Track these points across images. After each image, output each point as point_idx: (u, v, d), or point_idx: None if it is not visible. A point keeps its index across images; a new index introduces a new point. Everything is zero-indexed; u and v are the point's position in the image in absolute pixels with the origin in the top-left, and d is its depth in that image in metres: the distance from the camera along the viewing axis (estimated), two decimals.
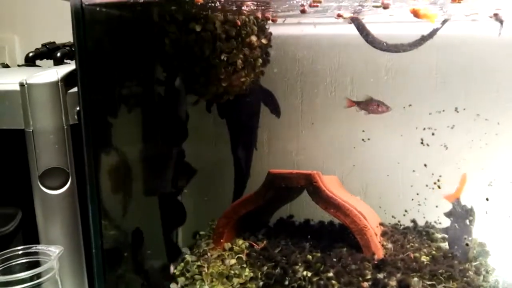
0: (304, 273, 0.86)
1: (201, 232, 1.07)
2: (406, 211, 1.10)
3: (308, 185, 0.96)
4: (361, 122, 1.18)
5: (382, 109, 1.10)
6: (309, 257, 0.90)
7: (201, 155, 1.24)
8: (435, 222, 1.08)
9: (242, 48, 0.96)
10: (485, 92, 1.11)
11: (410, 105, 1.14)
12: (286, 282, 0.84)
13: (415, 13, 0.84)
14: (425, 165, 1.10)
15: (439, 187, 1.07)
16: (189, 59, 0.95)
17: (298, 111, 1.24)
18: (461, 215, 0.96)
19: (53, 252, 0.86)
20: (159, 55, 0.97)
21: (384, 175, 1.18)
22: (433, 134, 1.11)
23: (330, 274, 0.85)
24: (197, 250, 0.97)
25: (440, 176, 1.08)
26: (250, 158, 1.19)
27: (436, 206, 1.03)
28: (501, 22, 0.95)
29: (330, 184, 0.99)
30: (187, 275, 0.89)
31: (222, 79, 0.96)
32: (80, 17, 0.77)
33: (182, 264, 0.92)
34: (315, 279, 0.85)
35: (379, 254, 0.90)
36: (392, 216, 1.10)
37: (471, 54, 1.11)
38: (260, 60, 1.01)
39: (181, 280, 0.88)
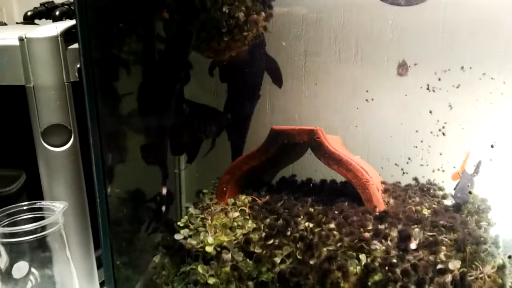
0: (306, 224, 0.86)
1: (204, 191, 1.08)
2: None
3: (311, 140, 0.96)
4: (365, 82, 1.18)
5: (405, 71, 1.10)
6: (311, 210, 0.91)
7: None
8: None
9: (245, 0, 0.95)
10: (493, 51, 1.10)
11: (415, 64, 1.12)
12: (288, 233, 0.85)
13: None
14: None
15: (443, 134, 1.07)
16: (190, 11, 0.94)
17: (301, 71, 1.23)
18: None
19: (57, 207, 0.87)
20: (159, 8, 0.96)
21: (387, 136, 1.17)
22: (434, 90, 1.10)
23: (332, 225, 0.86)
24: (201, 205, 0.98)
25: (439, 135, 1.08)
26: (247, 128, 1.19)
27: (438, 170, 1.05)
28: None
29: (333, 142, 0.99)
30: (191, 227, 0.90)
31: (224, 33, 0.96)
32: None
33: (186, 217, 0.93)
34: (316, 230, 0.85)
35: (381, 207, 0.91)
36: (396, 164, 1.11)
37: (479, 12, 1.09)
38: (263, 14, 1.00)
39: (185, 231, 0.89)
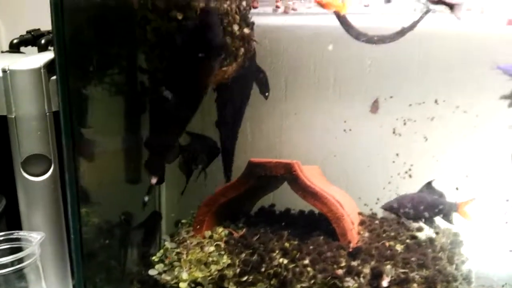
0: (281, 260, 0.87)
1: (183, 221, 1.09)
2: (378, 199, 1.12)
3: (288, 174, 0.97)
4: (344, 112, 1.20)
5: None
6: (287, 244, 0.92)
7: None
8: None
9: (224, 37, 0.97)
10: (465, 84, 1.13)
11: (391, 97, 1.15)
12: (263, 269, 0.86)
13: (320, 4, 0.85)
14: (397, 155, 1.11)
15: (410, 176, 1.09)
16: (170, 47, 0.95)
17: (282, 101, 1.25)
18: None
19: (34, 238, 0.87)
20: (140, 43, 0.98)
21: (365, 165, 1.19)
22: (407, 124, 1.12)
23: (306, 262, 0.87)
24: (177, 238, 0.99)
25: (411, 165, 1.10)
26: (236, 135, 1.20)
27: None
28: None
29: (310, 174, 1.00)
30: (166, 261, 0.90)
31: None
32: (58, 3, 0.77)
33: (161, 251, 0.93)
34: (291, 266, 0.86)
35: (355, 242, 0.92)
36: (365, 204, 1.12)
37: (451, 47, 1.12)
38: (243, 50, 1.02)
39: (159, 266, 0.89)
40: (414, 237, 0.96)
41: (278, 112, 1.26)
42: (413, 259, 0.85)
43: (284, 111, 1.25)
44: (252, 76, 1.14)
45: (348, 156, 1.22)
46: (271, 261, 0.87)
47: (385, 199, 1.11)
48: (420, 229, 1.01)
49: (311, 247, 0.91)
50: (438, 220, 1.03)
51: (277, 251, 0.90)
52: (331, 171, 1.20)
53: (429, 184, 1.05)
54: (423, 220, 1.02)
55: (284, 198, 1.19)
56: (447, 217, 1.01)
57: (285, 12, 1.13)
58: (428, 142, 1.13)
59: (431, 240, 0.95)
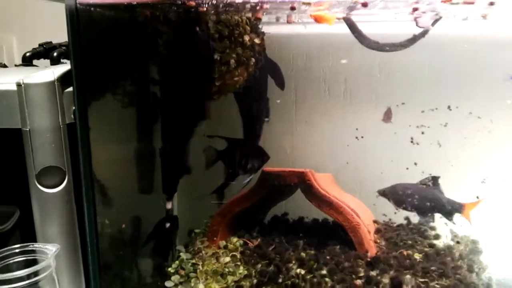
0: (298, 270, 0.86)
1: (196, 230, 1.08)
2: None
3: (301, 183, 0.96)
4: (355, 120, 1.19)
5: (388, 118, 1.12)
6: (303, 254, 0.91)
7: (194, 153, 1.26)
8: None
9: (235, 47, 0.97)
10: (478, 90, 1.12)
11: (403, 103, 1.14)
12: (280, 280, 0.85)
13: (315, 19, 0.86)
14: (415, 164, 1.10)
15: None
16: (183, 59, 0.96)
17: (292, 108, 1.24)
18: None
19: (50, 250, 0.87)
20: (153, 55, 0.98)
21: (378, 172, 1.18)
22: (422, 132, 1.12)
23: (324, 272, 0.86)
24: (192, 248, 0.98)
25: (422, 172, 1.09)
26: (261, 128, 1.18)
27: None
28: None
29: (324, 182, 1.00)
30: (182, 273, 0.90)
31: (216, 78, 0.97)
32: (74, 17, 0.77)
33: (177, 262, 0.92)
34: (308, 276, 0.85)
35: (372, 251, 0.91)
36: (383, 214, 1.11)
37: (463, 53, 1.12)
38: (253, 59, 1.01)
39: (176, 278, 0.89)
40: (432, 246, 0.95)
41: (289, 120, 1.25)
42: (432, 268, 0.84)
43: (295, 119, 1.25)
44: (266, 70, 1.13)
45: (361, 163, 1.21)
46: (288, 271, 0.87)
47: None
48: (437, 237, 1.00)
49: (328, 257, 0.90)
50: (455, 227, 1.02)
51: (293, 261, 0.89)
52: (343, 179, 1.20)
53: (435, 180, 1.04)
54: (417, 212, 1.02)
55: (296, 206, 1.19)
56: (449, 216, 1.00)
57: (288, 22, 1.13)
58: (441, 148, 1.12)
59: (449, 248, 0.94)
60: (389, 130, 1.16)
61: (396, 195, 1.03)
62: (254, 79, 1.08)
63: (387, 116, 1.08)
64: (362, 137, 1.18)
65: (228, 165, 1.08)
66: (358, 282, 0.83)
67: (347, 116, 1.21)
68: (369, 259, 0.87)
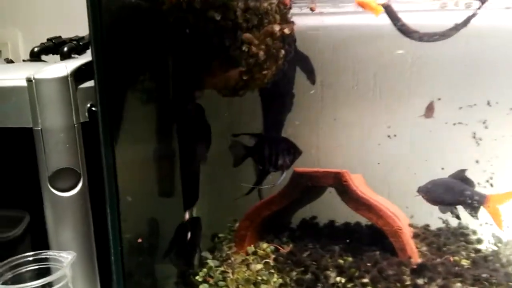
0: (338, 278, 0.80)
1: (220, 235, 1.01)
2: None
3: (338, 184, 0.90)
4: (386, 117, 1.12)
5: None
6: (341, 261, 0.84)
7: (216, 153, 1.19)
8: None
9: (265, 38, 0.90)
10: None
11: (439, 99, 1.07)
12: None
13: (361, 5, 0.83)
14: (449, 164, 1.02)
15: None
16: (208, 50, 0.89)
17: (318, 105, 1.18)
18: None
19: (65, 258, 0.80)
20: (176, 46, 0.91)
21: (410, 173, 1.11)
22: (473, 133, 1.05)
23: (366, 280, 0.79)
24: (219, 254, 0.91)
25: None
26: (282, 124, 1.12)
27: None
28: None
29: (359, 183, 0.93)
30: (211, 281, 0.83)
31: (243, 72, 0.90)
32: (96, 4, 0.71)
33: (205, 269, 0.86)
34: (349, 285, 0.79)
35: (416, 258, 0.84)
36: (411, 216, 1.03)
37: (502, 45, 1.05)
38: (283, 51, 0.95)
39: (204, 287, 0.82)
40: (478, 251, 0.88)
41: (315, 118, 1.19)
42: (484, 275, 0.77)
43: (321, 117, 1.18)
44: (295, 63, 1.06)
45: (392, 163, 1.14)
46: (327, 279, 0.80)
47: (435, 210, 1.04)
48: (480, 241, 0.94)
49: (368, 263, 0.83)
50: (498, 231, 0.95)
51: (331, 269, 0.82)
52: (373, 181, 1.13)
53: (461, 172, 0.93)
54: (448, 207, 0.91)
55: (323, 209, 1.12)
56: (473, 210, 0.88)
57: (312, 10, 1.06)
58: (480, 146, 1.06)
59: (496, 254, 0.87)
60: (424, 128, 1.09)
61: (430, 193, 0.95)
62: (282, 73, 1.01)
63: (430, 111, 1.01)
64: (394, 135, 1.11)
65: (259, 162, 1.01)
66: None
67: (377, 113, 1.14)
68: (414, 266, 0.81)
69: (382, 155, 1.14)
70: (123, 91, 0.84)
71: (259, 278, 0.82)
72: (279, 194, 0.93)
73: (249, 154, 1.01)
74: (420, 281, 0.78)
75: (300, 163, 1.12)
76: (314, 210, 1.13)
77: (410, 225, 0.99)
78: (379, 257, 0.85)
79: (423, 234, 0.95)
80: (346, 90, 1.16)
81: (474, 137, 1.06)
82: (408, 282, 0.77)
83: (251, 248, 0.92)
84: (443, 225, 1.01)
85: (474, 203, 0.87)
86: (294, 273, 0.82)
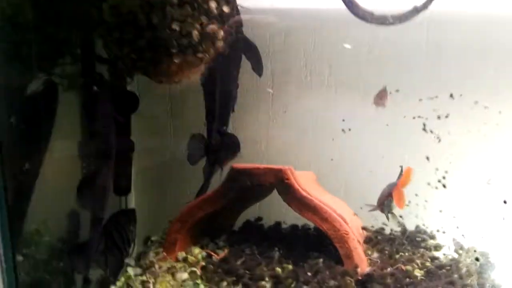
0: None
1: (153, 238, 0.90)
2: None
3: (279, 182, 0.79)
4: (341, 110, 1.03)
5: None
6: (279, 270, 0.74)
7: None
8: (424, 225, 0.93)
9: (199, 16, 0.79)
10: (484, 76, 0.97)
11: (397, 91, 0.98)
12: None
13: None
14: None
15: (444, 186, 0.91)
16: (133, 29, 0.77)
17: (268, 96, 1.07)
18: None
19: None
20: (96, 25, 0.79)
21: (366, 171, 1.02)
22: (424, 124, 0.95)
23: None
24: (144, 260, 0.80)
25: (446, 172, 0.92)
26: (228, 119, 1.01)
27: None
28: None
29: (305, 182, 0.83)
30: None
31: (174, 55, 0.79)
32: None
33: (123, 279, 0.74)
34: None
35: (363, 266, 0.75)
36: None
37: (469, 31, 0.97)
38: (222, 33, 0.84)
39: None
40: (434, 259, 0.79)
41: (264, 110, 1.09)
42: None
43: (271, 109, 1.08)
44: (241, 51, 0.96)
45: (347, 160, 1.05)
46: None
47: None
48: (438, 248, 0.85)
49: (309, 273, 0.73)
50: (458, 236, 0.87)
51: (267, 279, 0.72)
52: (326, 178, 1.04)
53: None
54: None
55: (272, 209, 1.02)
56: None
57: None
58: (441, 142, 0.97)
59: (454, 262, 0.78)
60: (381, 122, 1.00)
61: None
62: (224, 59, 0.90)
63: (380, 98, 0.91)
64: (349, 129, 1.01)
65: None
66: None
67: (332, 105, 1.04)
68: (360, 277, 0.71)
69: (336, 151, 1.05)
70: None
71: None
72: (214, 193, 0.82)
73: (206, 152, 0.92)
74: None
75: (248, 159, 1.02)
76: (264, 210, 1.03)
77: (364, 228, 0.90)
78: (322, 266, 0.75)
79: (375, 238, 0.85)
80: (299, 80, 1.06)
81: (433, 132, 0.97)
82: None
83: (181, 254, 0.81)
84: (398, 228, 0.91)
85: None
86: (224, 284, 0.72)
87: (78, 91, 0.87)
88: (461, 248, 0.84)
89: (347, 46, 0.95)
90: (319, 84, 1.06)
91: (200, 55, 0.82)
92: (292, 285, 0.70)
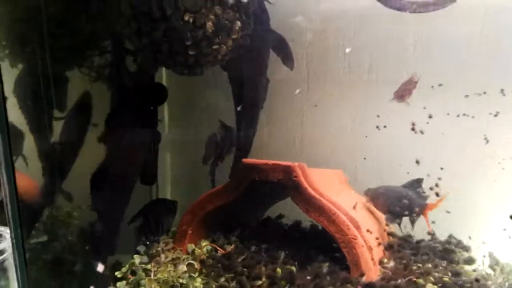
0: None
1: (173, 229, 0.91)
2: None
3: (287, 179, 0.76)
4: (376, 105, 0.96)
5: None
6: (279, 270, 0.71)
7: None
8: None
9: (213, 7, 0.78)
10: None
11: (440, 85, 0.88)
12: None
13: None
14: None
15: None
16: (148, 21, 0.79)
17: (303, 90, 1.03)
18: None
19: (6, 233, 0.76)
20: (113, 18, 0.82)
21: (403, 172, 0.94)
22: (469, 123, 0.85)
23: None
24: (153, 250, 0.81)
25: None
26: (257, 119, 1.00)
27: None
28: None
29: (321, 180, 0.78)
30: (131, 279, 0.74)
31: (189, 47, 0.79)
32: None
33: (127, 265, 0.76)
34: None
35: (371, 275, 0.69)
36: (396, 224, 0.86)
37: None
38: (239, 23, 0.82)
39: (121, 284, 0.73)
40: (457, 274, 0.70)
41: (298, 105, 1.04)
42: None
43: (305, 104, 1.04)
44: (268, 44, 0.93)
45: (382, 159, 0.97)
46: None
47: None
48: (470, 261, 0.75)
49: (308, 276, 0.69)
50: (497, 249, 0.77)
51: (263, 279, 0.69)
52: (361, 176, 0.98)
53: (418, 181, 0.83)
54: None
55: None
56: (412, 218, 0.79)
57: None
58: (489, 143, 0.86)
59: (483, 279, 0.69)
60: (420, 119, 0.91)
61: (377, 199, 0.81)
62: (249, 52, 0.88)
63: (404, 91, 0.82)
64: (384, 126, 0.94)
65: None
66: None
67: (367, 100, 0.97)
68: (360, 287, 0.65)
69: (370, 149, 0.98)
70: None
71: (181, 281, 0.71)
72: (224, 187, 0.81)
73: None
74: None
75: (282, 156, 0.98)
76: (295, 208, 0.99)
77: (390, 234, 0.83)
78: (325, 270, 0.70)
79: (398, 245, 0.78)
80: (336, 73, 1.00)
81: (481, 133, 0.86)
82: None
83: (191, 246, 0.81)
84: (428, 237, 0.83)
85: (414, 216, 0.78)
86: (222, 279, 0.70)
87: (107, 83, 0.90)
88: (497, 263, 0.74)
89: (347, 50, 0.89)
90: (357, 78, 0.99)
91: (216, 46, 0.81)
92: None
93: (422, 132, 0.81)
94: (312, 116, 1.04)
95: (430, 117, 0.84)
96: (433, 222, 0.82)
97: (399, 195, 0.78)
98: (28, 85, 0.79)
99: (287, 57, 0.95)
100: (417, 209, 0.76)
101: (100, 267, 0.76)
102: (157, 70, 0.93)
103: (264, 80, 0.96)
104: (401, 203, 0.76)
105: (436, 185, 0.77)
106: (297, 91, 1.01)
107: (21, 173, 0.83)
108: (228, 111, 0.99)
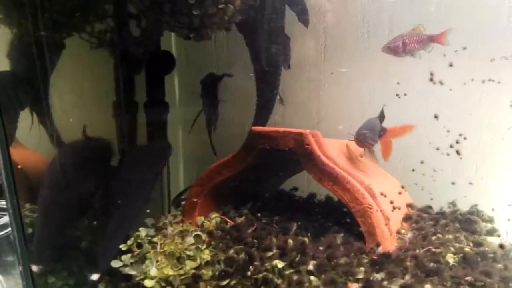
0: (275, 262, 0.63)
1: (183, 203, 0.88)
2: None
3: (299, 147, 0.72)
4: (395, 72, 0.90)
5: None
6: (290, 241, 0.67)
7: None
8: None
9: None
10: None
11: (464, 48, 0.82)
12: (249, 273, 0.63)
13: None
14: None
15: None
16: None
17: (320, 57, 0.98)
18: None
19: None
20: None
21: (424, 142, 0.89)
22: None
23: (310, 267, 0.62)
24: (159, 223, 0.78)
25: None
26: (279, 75, 0.94)
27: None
28: None
29: (337, 150, 0.74)
30: (136, 252, 0.71)
31: (193, 6, 0.75)
32: None
33: (132, 238, 0.74)
34: (287, 272, 0.62)
35: (387, 245, 0.65)
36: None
37: None
38: None
39: (126, 257, 0.71)
40: (479, 244, 0.66)
41: (315, 72, 1.00)
42: (467, 278, 0.56)
43: (323, 70, 0.99)
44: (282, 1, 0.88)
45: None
46: (263, 262, 0.64)
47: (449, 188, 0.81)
48: (492, 232, 0.71)
49: (321, 247, 0.65)
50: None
51: (274, 250, 0.66)
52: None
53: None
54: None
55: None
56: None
57: None
58: None
59: (505, 252, 0.64)
60: (443, 86, 0.85)
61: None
62: (262, 10, 0.84)
63: (398, 44, 0.76)
64: (405, 94, 0.88)
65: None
66: (354, 286, 0.58)
67: (386, 66, 0.92)
68: (375, 257, 0.61)
69: (390, 118, 0.92)
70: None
71: (188, 253, 0.68)
72: (233, 157, 0.78)
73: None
74: (376, 276, 0.59)
75: (298, 125, 0.94)
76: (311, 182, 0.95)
77: (409, 205, 0.79)
78: (338, 241, 0.66)
79: (417, 216, 0.74)
80: (355, 38, 0.95)
81: (508, 98, 0.81)
82: (360, 276, 0.59)
83: (200, 219, 0.78)
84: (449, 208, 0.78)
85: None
86: (231, 251, 0.68)
87: (109, 50, 0.86)
88: None
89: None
90: (376, 44, 0.94)
91: (222, 6, 0.77)
92: (296, 259, 0.63)
93: (441, 83, 0.74)
94: (329, 87, 0.99)
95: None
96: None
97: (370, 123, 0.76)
98: (22, 50, 0.77)
99: (302, 12, 0.90)
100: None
101: (95, 276, 0.73)
102: (162, 34, 0.89)
103: (283, 37, 0.91)
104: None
105: (457, 142, 0.72)
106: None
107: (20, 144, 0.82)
108: (244, 79, 0.96)
